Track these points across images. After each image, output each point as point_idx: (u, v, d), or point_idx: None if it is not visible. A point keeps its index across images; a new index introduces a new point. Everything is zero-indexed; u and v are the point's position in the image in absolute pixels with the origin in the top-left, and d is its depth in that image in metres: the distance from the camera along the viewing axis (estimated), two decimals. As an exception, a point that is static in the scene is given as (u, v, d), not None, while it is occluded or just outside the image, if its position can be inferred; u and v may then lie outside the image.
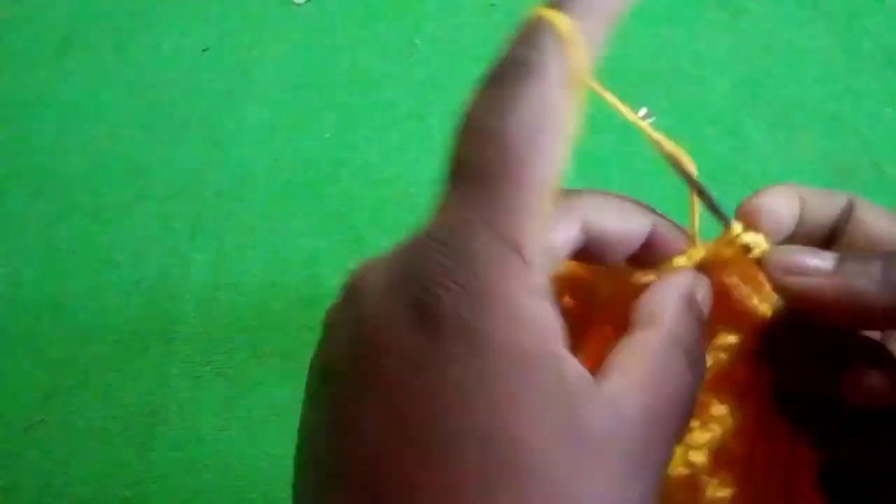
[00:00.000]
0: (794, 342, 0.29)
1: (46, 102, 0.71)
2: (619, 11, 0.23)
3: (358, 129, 0.67)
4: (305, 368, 0.22)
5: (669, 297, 0.26)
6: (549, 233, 0.25)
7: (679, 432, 0.23)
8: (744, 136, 0.62)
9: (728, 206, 0.31)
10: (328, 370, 0.23)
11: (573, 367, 0.22)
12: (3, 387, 0.56)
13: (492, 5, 0.78)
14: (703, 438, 0.28)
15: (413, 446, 0.21)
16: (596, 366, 0.23)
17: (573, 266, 0.32)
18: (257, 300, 0.58)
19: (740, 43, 0.68)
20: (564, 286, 0.32)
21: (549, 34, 0.22)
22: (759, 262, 0.28)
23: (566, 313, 0.32)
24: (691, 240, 0.30)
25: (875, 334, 0.28)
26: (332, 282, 0.52)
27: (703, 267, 0.29)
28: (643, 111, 0.29)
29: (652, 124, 0.29)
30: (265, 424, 0.52)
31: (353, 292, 0.23)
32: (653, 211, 0.30)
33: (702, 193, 0.30)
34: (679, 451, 0.28)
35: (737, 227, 0.29)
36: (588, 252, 0.29)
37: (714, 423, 0.29)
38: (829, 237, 0.29)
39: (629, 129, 0.31)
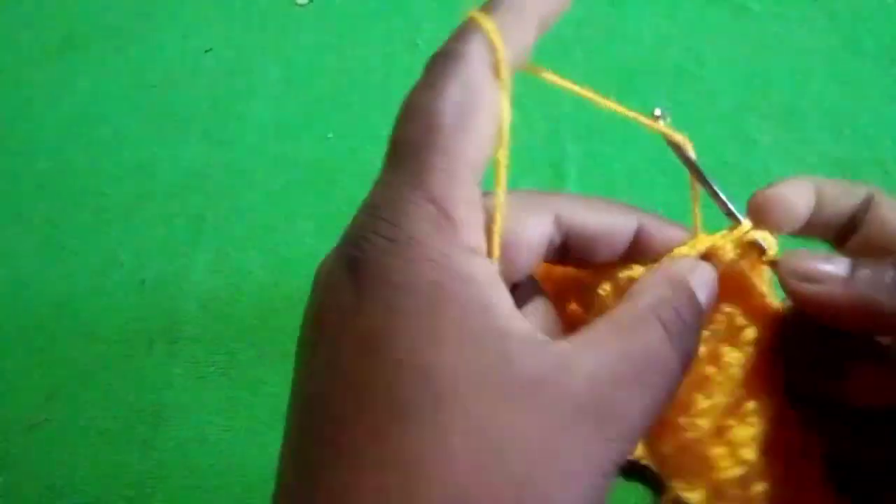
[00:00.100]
0: (801, 340, 0.29)
1: (48, 102, 0.71)
2: (548, 15, 0.26)
3: (360, 130, 0.67)
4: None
5: (652, 277, 0.27)
6: (519, 225, 0.28)
7: (658, 402, 0.24)
8: (747, 135, 0.62)
9: (733, 204, 0.31)
10: (299, 338, 0.26)
11: (510, 317, 0.23)
12: (6, 386, 0.56)
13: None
14: (746, 434, 0.28)
15: (344, 383, 0.22)
16: None
17: (575, 272, 0.32)
18: (260, 300, 0.58)
19: (742, 42, 0.68)
20: (570, 293, 0.32)
21: (474, 30, 0.25)
22: (769, 263, 0.29)
23: (573, 319, 0.32)
24: (693, 231, 0.30)
25: (885, 339, 0.28)
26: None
27: (709, 257, 0.29)
28: (658, 111, 0.29)
29: (667, 124, 0.29)
30: (269, 425, 0.52)
31: (317, 268, 0.26)
32: (638, 210, 0.30)
33: (704, 181, 0.30)
34: (725, 451, 0.28)
35: (746, 223, 0.29)
36: (575, 253, 0.30)
37: (752, 418, 0.28)
38: (848, 226, 0.30)
39: (630, 128, 0.31)
